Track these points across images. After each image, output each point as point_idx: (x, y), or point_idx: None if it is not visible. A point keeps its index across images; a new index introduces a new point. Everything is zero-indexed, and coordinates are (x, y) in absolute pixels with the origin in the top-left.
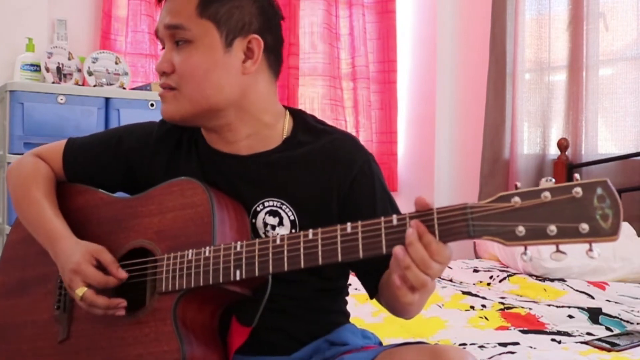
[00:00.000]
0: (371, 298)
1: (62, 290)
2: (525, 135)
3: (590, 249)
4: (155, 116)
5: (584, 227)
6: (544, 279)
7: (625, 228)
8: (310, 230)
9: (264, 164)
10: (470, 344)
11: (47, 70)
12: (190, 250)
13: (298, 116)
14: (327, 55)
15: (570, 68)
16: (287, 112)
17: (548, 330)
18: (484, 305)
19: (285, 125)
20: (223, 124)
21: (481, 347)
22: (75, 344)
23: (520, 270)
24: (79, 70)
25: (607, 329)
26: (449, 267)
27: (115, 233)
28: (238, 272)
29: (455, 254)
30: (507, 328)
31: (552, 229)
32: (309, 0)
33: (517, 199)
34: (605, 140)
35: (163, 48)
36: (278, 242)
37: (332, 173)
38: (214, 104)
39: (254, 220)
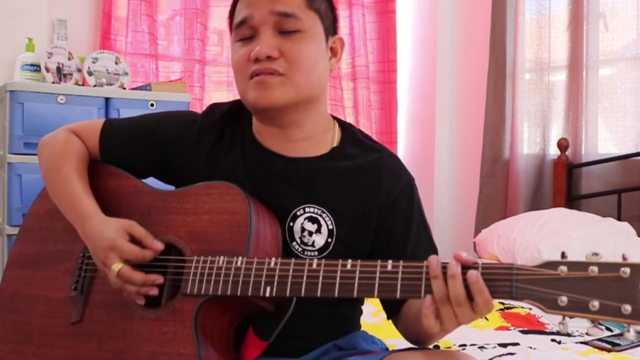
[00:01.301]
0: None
1: (81, 272)
2: (525, 135)
3: (628, 330)
4: None
5: (627, 308)
6: None
7: (626, 228)
8: (349, 261)
9: (311, 170)
10: (470, 345)
11: (47, 70)
12: (222, 257)
13: (347, 129)
14: None
15: (570, 68)
16: (336, 123)
17: (548, 331)
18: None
19: (334, 135)
20: (297, 119)
21: (481, 347)
22: (88, 328)
23: None
24: (79, 70)
25: (607, 329)
26: None
27: (145, 224)
28: (269, 289)
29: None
30: (507, 328)
31: (595, 304)
32: None
33: (563, 268)
34: (605, 140)
35: (243, 39)
36: (314, 266)
37: (376, 190)
38: (313, 94)
39: (292, 224)
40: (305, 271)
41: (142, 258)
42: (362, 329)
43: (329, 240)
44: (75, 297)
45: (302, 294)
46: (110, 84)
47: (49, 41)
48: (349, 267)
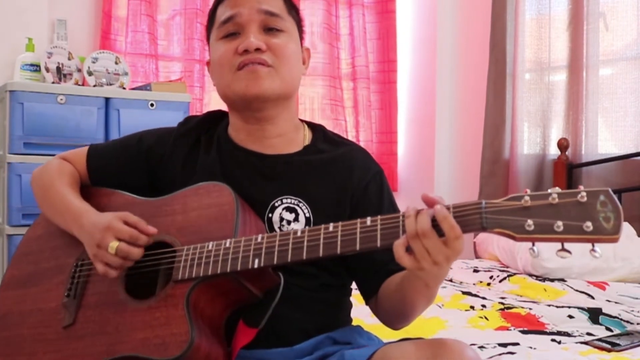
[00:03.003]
0: (367, 302)
1: (74, 279)
2: (525, 135)
3: (594, 249)
4: (155, 116)
5: (588, 225)
6: (544, 279)
7: (626, 228)
8: (331, 224)
9: (286, 165)
10: (470, 344)
11: (47, 70)
12: (211, 242)
13: (317, 129)
14: (327, 55)
15: (570, 68)
16: (305, 125)
17: (548, 331)
18: (484, 306)
19: (306, 135)
20: (274, 115)
21: (481, 347)
22: (80, 329)
23: (520, 270)
24: (79, 70)
25: (607, 329)
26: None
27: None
28: (257, 261)
29: None
30: (507, 328)
31: (559, 224)
32: (309, 0)
33: (527, 198)
34: (605, 140)
35: (227, 36)
36: (299, 234)
37: (348, 179)
38: (293, 90)
39: (270, 215)
40: (291, 239)
41: (136, 238)
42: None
43: (307, 227)
44: (67, 303)
45: (289, 259)
46: (110, 84)
47: (49, 41)
48: (331, 229)
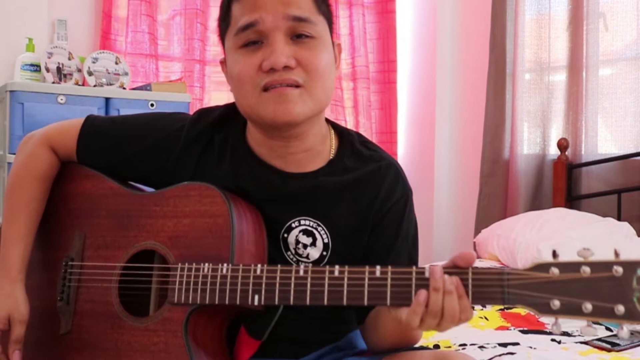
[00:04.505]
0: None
1: (65, 281)
2: (525, 135)
3: (622, 328)
4: None
5: (620, 309)
6: None
7: (626, 228)
8: (337, 267)
9: (307, 185)
10: (470, 344)
11: (47, 70)
12: (207, 265)
13: (345, 137)
14: None
15: (570, 68)
16: (331, 129)
17: (548, 331)
18: (484, 305)
19: (332, 145)
20: (302, 132)
21: (481, 347)
22: (78, 340)
23: None
24: (79, 70)
25: (607, 329)
26: None
27: (126, 229)
28: (257, 297)
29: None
30: (507, 328)
31: (588, 306)
32: None
33: (555, 270)
34: (605, 140)
35: (247, 44)
36: (302, 273)
37: (372, 201)
38: (325, 107)
39: (286, 235)
40: (293, 278)
41: None
42: None
43: (324, 253)
44: (62, 308)
45: (291, 302)
46: (110, 84)
47: (49, 41)
48: (336, 273)
